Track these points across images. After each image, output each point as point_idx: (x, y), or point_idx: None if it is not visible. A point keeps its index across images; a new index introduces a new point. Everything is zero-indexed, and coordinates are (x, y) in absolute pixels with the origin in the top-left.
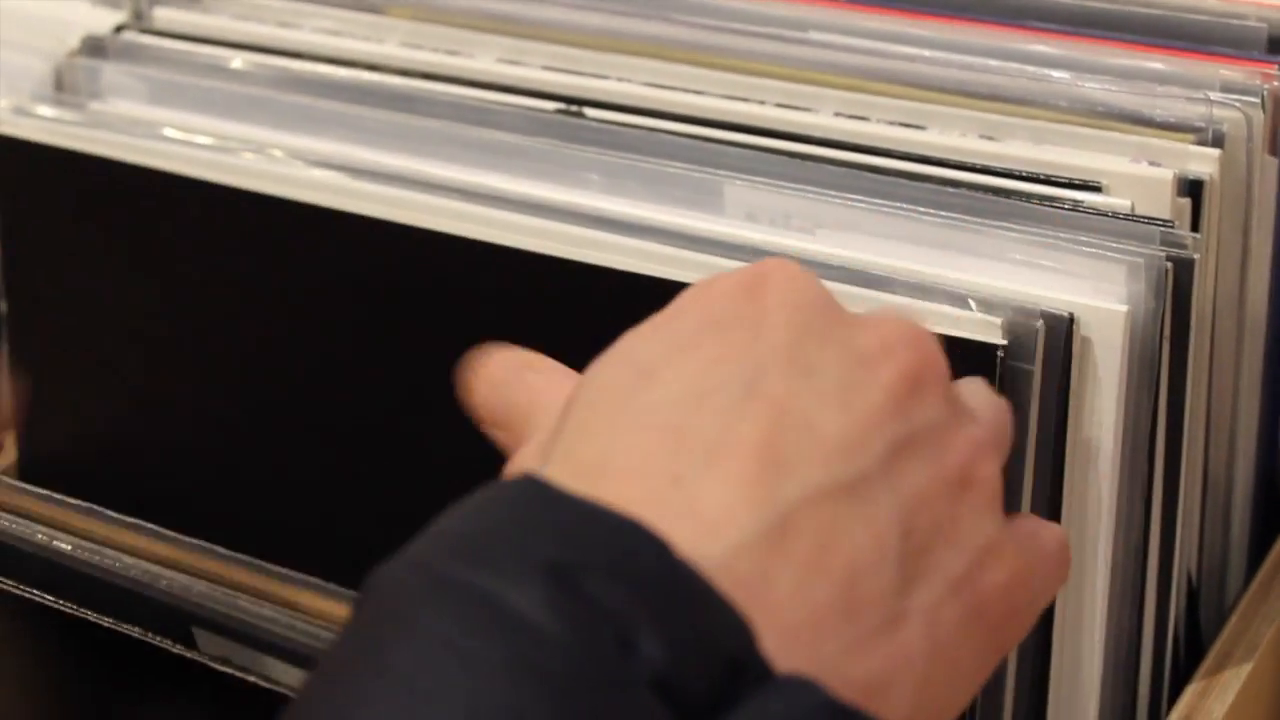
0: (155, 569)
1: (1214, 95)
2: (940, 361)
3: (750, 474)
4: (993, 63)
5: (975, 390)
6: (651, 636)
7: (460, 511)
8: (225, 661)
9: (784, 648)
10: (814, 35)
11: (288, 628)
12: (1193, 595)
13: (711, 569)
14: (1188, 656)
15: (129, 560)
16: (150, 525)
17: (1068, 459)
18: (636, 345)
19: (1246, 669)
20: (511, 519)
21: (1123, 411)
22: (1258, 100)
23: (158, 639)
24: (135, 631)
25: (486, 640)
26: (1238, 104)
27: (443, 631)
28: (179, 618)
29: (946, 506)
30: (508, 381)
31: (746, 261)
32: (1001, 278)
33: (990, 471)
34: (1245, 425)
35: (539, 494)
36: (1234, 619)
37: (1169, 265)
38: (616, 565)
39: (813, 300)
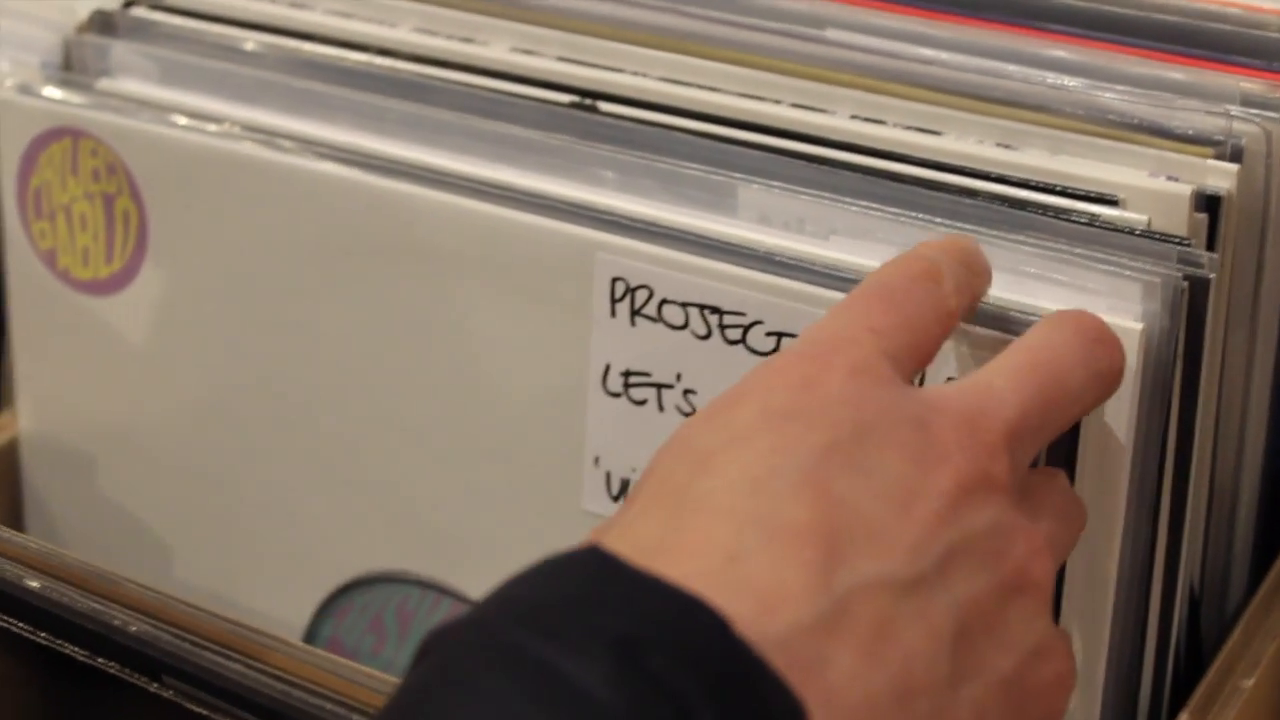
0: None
1: (1234, 109)
2: (1002, 466)
3: (807, 556)
4: (1011, 68)
5: (1046, 482)
6: (709, 714)
7: (526, 578)
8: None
9: None
10: (831, 33)
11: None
12: (1194, 606)
13: (769, 649)
14: (1188, 668)
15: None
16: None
17: (1078, 476)
18: (696, 433)
19: (1248, 684)
20: (577, 590)
21: (1135, 429)
22: (1278, 115)
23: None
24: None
25: (547, 710)
26: (1258, 119)
27: (504, 698)
28: (148, 662)
29: (999, 609)
30: None
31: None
32: (1016, 291)
33: (1045, 574)
34: (1252, 437)
35: (604, 566)
36: (1236, 633)
37: (1185, 285)
38: (678, 642)
39: (876, 397)
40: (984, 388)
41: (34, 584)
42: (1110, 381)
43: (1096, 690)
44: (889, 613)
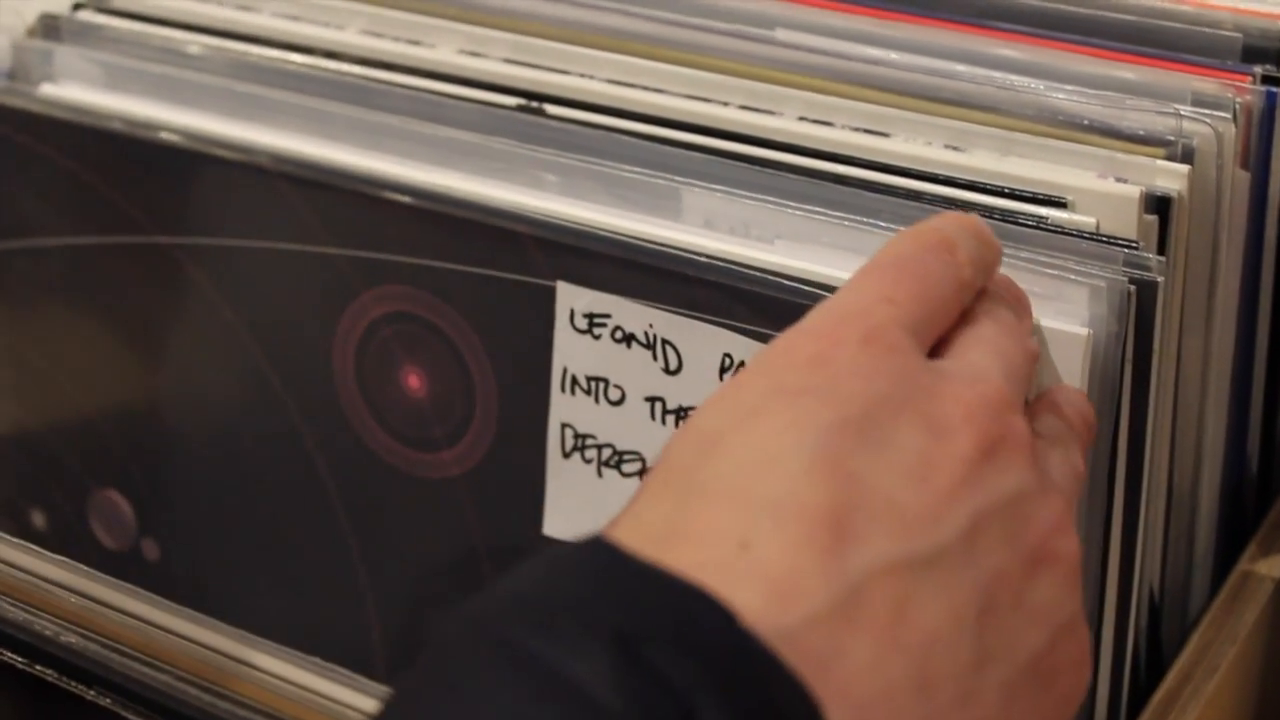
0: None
1: (1184, 109)
2: (1021, 427)
3: (820, 541)
4: (961, 68)
5: (1061, 453)
6: (715, 710)
7: (527, 572)
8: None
9: None
10: (780, 34)
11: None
12: (1155, 612)
13: (779, 640)
14: (1149, 674)
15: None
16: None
17: None
18: (705, 416)
19: (1207, 689)
20: (578, 583)
21: None
22: (1229, 115)
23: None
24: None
25: (545, 709)
26: (1208, 119)
27: (503, 698)
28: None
29: (1026, 582)
30: None
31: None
32: None
33: (1071, 545)
34: (1212, 440)
35: (606, 559)
36: (1195, 638)
37: (1132, 289)
38: (681, 636)
39: (888, 367)
40: (965, 356)
41: None
42: (1034, 362)
43: None
44: (908, 594)
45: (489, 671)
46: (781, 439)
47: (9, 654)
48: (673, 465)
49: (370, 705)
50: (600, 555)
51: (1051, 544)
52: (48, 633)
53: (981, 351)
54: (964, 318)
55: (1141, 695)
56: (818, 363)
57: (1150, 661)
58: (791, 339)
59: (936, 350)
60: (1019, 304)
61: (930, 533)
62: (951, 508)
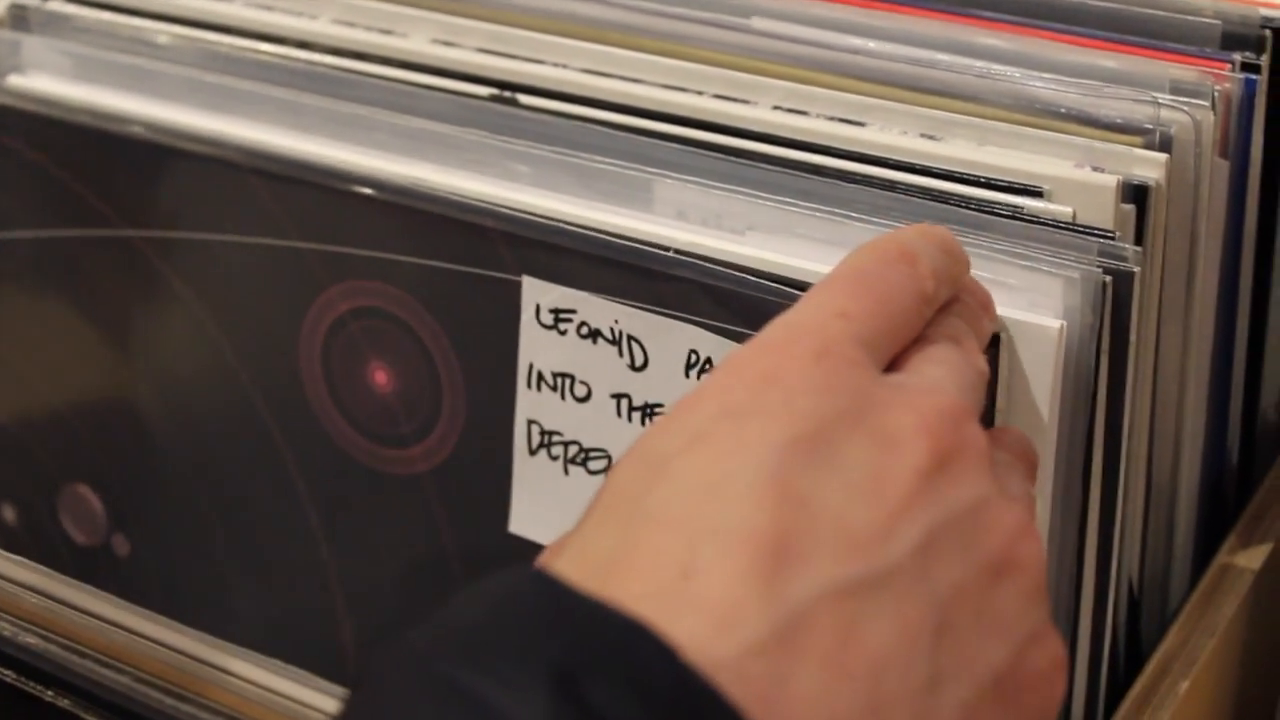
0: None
1: (1162, 97)
2: (978, 435)
3: (761, 567)
4: (939, 56)
5: (1019, 474)
6: None
7: (466, 602)
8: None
9: None
10: (757, 22)
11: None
12: (1134, 605)
13: (721, 671)
14: (1128, 668)
15: None
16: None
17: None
18: (653, 440)
19: (1184, 684)
20: (516, 617)
21: (1057, 428)
22: (1207, 103)
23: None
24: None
25: None
26: (1187, 107)
27: None
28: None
29: (987, 595)
30: None
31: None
32: None
33: (1033, 552)
34: (1191, 432)
35: (545, 590)
36: (1173, 631)
37: (1107, 279)
38: (622, 672)
39: (839, 383)
40: (919, 371)
41: None
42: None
43: None
44: (854, 618)
45: (423, 706)
46: (727, 462)
47: None
48: (618, 491)
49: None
50: (540, 587)
51: (1012, 552)
52: (5, 633)
53: (936, 367)
54: (920, 335)
55: (1120, 689)
56: (768, 380)
57: (1129, 655)
58: (743, 355)
59: (892, 367)
60: (984, 311)
61: (880, 552)
62: (903, 523)
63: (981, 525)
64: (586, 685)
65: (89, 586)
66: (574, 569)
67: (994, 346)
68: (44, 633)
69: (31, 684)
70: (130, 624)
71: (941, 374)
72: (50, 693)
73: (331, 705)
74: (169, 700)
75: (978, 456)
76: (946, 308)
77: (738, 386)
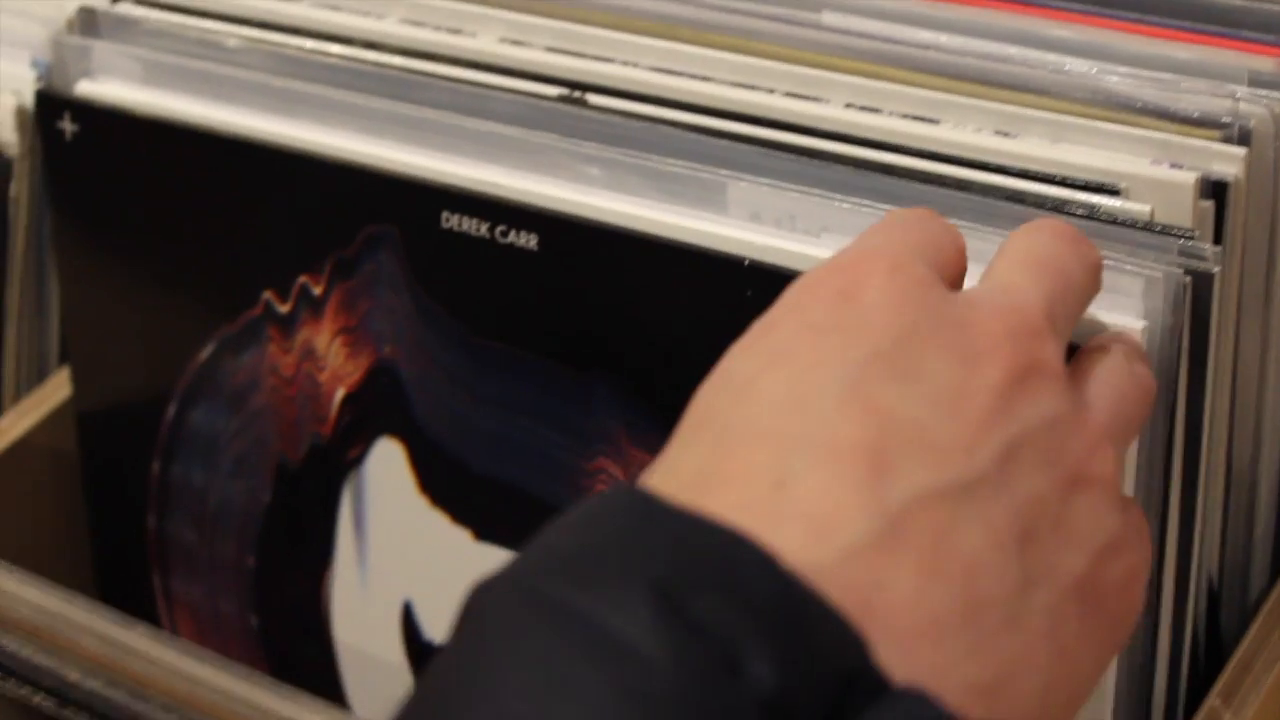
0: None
1: (1240, 90)
2: (1051, 350)
3: (856, 475)
4: (1011, 50)
5: (1103, 368)
6: (760, 657)
7: (564, 526)
8: None
9: (900, 656)
10: (827, 17)
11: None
12: (1214, 598)
13: (821, 577)
14: (1208, 661)
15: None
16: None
17: None
18: (735, 360)
19: (1269, 679)
20: (615, 535)
21: None
22: None
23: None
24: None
25: (590, 666)
26: (1264, 99)
27: (546, 657)
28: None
29: (1064, 506)
30: None
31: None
32: None
33: (1108, 465)
34: (1269, 426)
35: (642, 507)
36: (1256, 626)
37: (1188, 280)
38: (722, 581)
39: (915, 298)
40: (1008, 283)
41: None
42: (1098, 274)
43: (1108, 691)
44: (947, 522)
45: (528, 630)
46: (812, 376)
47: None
48: (703, 412)
49: None
50: (636, 504)
51: (1086, 467)
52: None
53: (1021, 270)
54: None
55: (1201, 684)
56: (844, 298)
57: (1210, 648)
58: (818, 275)
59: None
60: (1062, 232)
61: (964, 461)
62: (984, 436)
63: (1055, 441)
64: (689, 597)
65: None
66: (667, 486)
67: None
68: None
69: None
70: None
71: (1025, 280)
72: None
73: None
74: None
75: (1050, 375)
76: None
77: (815, 305)
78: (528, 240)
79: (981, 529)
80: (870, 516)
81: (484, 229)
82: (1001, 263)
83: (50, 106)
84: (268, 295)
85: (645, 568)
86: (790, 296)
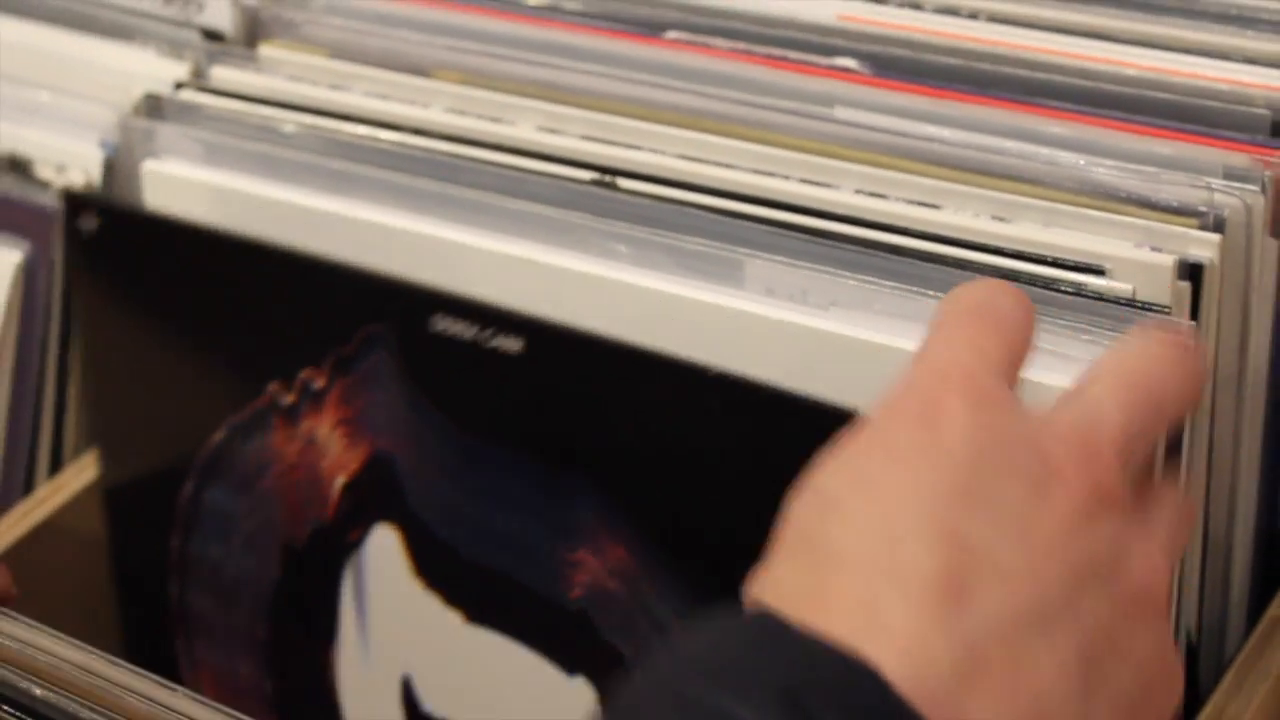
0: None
1: (1216, 182)
2: (1115, 474)
3: (936, 606)
4: (1008, 143)
5: (1164, 491)
6: None
7: (699, 636)
8: None
9: None
10: (839, 111)
11: None
12: (1192, 654)
13: (921, 704)
14: (1187, 713)
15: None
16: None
17: None
18: (825, 478)
19: None
20: (745, 644)
21: None
22: (1258, 187)
23: None
24: None
25: None
26: (1238, 190)
27: None
28: None
29: (1123, 626)
30: None
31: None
32: None
33: (1164, 584)
34: (1245, 490)
35: (771, 624)
36: (1229, 677)
37: None
38: (840, 696)
39: (988, 424)
40: (1089, 402)
41: None
42: (1198, 389)
43: None
44: (1019, 651)
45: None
46: (895, 508)
47: None
48: (800, 528)
49: None
50: (764, 621)
51: (1146, 587)
52: None
53: (1104, 384)
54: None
55: None
56: (922, 424)
57: (1188, 701)
58: (898, 396)
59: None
60: (1170, 342)
61: (1034, 590)
62: (1051, 563)
63: (1120, 564)
64: (811, 705)
65: None
66: (776, 601)
67: None
68: None
69: None
70: None
71: (1106, 395)
72: None
73: None
74: None
75: (1116, 496)
76: None
77: (895, 430)
78: (512, 344)
79: (1050, 655)
80: (955, 647)
81: (472, 332)
82: (1098, 370)
83: (72, 204)
84: (273, 388)
85: (774, 675)
86: (874, 415)
